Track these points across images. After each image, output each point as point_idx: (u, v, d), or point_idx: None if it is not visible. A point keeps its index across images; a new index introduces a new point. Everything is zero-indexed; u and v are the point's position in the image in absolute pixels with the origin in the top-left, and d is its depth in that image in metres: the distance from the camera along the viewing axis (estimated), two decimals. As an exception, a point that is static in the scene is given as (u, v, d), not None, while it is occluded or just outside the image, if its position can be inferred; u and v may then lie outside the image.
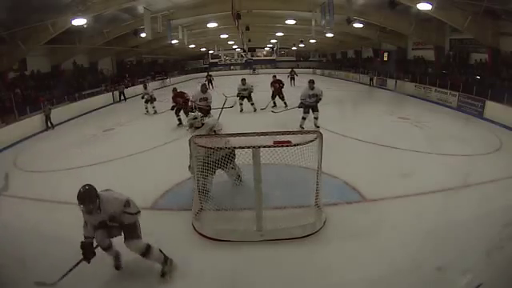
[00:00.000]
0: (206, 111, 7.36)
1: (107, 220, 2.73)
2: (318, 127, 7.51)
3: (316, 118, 7.81)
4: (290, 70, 20.03)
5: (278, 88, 10.82)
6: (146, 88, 11.79)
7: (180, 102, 8.78)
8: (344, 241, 3.32)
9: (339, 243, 3.30)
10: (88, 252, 2.76)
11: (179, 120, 8.96)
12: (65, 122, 11.39)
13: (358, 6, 14.35)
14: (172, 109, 8.97)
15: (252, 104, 10.41)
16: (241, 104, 10.52)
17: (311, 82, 7.59)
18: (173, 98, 8.94)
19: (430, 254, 2.99)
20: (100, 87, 16.35)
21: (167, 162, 5.75)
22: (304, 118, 7.78)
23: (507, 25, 10.97)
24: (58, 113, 11.29)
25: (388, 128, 8.19)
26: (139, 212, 2.86)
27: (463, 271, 2.56)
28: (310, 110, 7.74)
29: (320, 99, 7.67)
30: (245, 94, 10.43)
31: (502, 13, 10.66)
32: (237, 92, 10.57)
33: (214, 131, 4.10)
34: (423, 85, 13.96)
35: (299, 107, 7.84)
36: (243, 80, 10.39)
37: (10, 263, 3.12)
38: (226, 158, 3.83)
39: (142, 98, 11.65)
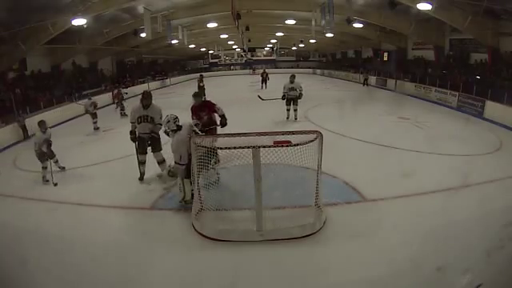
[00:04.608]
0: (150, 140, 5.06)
1: None
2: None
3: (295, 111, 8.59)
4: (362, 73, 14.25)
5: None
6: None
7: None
8: (344, 241, 3.32)
9: (339, 243, 3.30)
10: None
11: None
12: (65, 122, 11.40)
13: (357, 6, 14.38)
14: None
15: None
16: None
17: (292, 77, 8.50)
18: None
19: (430, 254, 2.99)
20: (100, 87, 16.35)
21: (167, 161, 5.74)
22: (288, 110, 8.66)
23: (507, 25, 10.97)
24: (58, 113, 11.35)
25: (388, 128, 8.19)
26: None
27: (463, 271, 2.56)
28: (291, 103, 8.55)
29: (301, 94, 8.44)
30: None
31: (502, 13, 10.67)
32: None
33: (194, 130, 4.03)
34: (423, 85, 13.96)
35: (282, 99, 8.57)
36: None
37: (10, 263, 3.12)
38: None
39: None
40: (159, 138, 5.07)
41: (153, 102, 5.03)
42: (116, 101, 11.84)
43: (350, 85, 20.25)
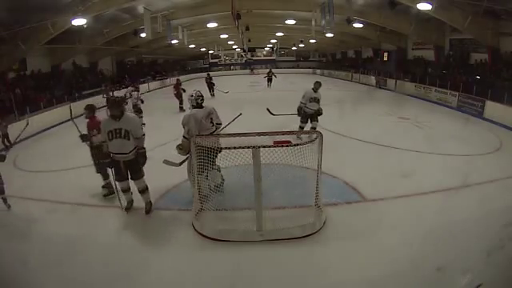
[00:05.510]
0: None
1: None
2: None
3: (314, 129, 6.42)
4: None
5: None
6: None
7: None
8: (344, 241, 3.32)
9: (339, 243, 3.30)
10: None
11: None
12: (65, 121, 11.38)
13: (358, 6, 14.39)
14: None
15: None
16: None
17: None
18: None
19: (430, 253, 2.99)
20: (100, 87, 16.36)
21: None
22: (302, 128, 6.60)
23: (507, 25, 10.98)
24: (58, 113, 11.34)
25: (388, 128, 8.20)
26: None
27: (463, 271, 2.56)
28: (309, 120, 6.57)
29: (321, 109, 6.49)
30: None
31: (502, 13, 10.67)
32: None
33: (211, 118, 4.15)
34: (423, 85, 13.97)
35: (298, 115, 6.58)
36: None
37: (10, 263, 3.13)
38: (211, 153, 3.52)
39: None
40: (138, 161, 3.87)
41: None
42: (175, 92, 11.38)
43: (350, 85, 20.26)
